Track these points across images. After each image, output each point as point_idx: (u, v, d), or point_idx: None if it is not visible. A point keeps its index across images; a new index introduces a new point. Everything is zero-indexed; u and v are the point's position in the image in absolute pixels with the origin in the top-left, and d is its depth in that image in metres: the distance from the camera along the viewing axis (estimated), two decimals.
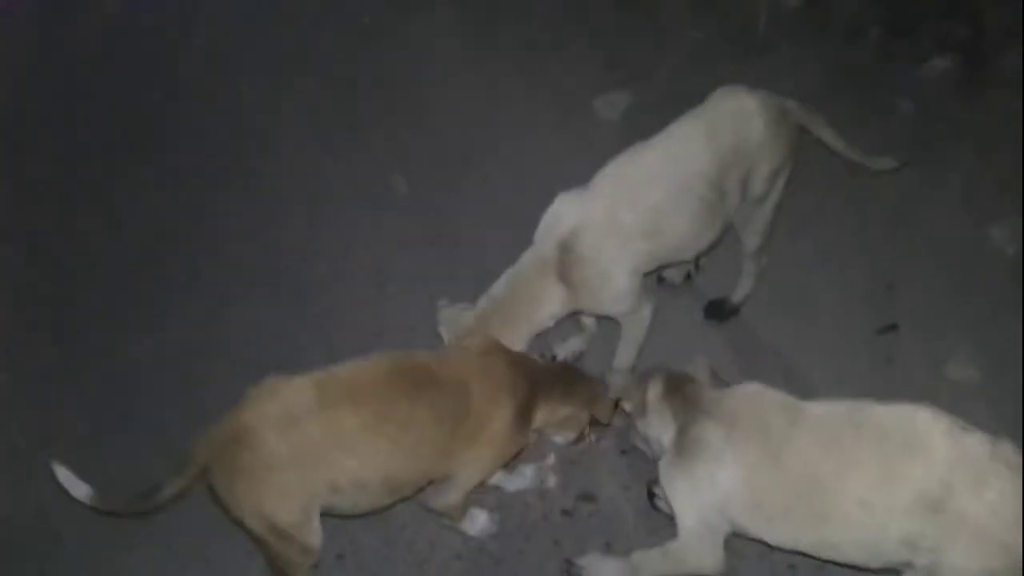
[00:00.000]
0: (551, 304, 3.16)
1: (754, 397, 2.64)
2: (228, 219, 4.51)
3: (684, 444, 2.63)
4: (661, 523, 3.12)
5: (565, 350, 3.70)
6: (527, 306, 3.15)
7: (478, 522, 3.17)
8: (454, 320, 3.23)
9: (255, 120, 5.05)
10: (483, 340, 3.01)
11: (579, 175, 3.24)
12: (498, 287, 3.20)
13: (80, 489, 2.62)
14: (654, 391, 2.82)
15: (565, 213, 3.13)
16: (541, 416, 3.01)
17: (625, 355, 3.44)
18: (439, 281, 4.10)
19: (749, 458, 2.49)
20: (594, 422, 3.18)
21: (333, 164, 4.78)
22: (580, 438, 3.26)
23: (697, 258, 3.98)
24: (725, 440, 2.54)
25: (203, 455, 2.60)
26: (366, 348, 3.69)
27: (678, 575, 2.75)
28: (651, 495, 3.12)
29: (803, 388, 3.57)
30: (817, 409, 2.50)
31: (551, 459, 3.40)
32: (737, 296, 3.83)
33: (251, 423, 2.53)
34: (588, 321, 3.59)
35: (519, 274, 3.17)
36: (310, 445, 2.55)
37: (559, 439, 3.24)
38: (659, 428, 2.80)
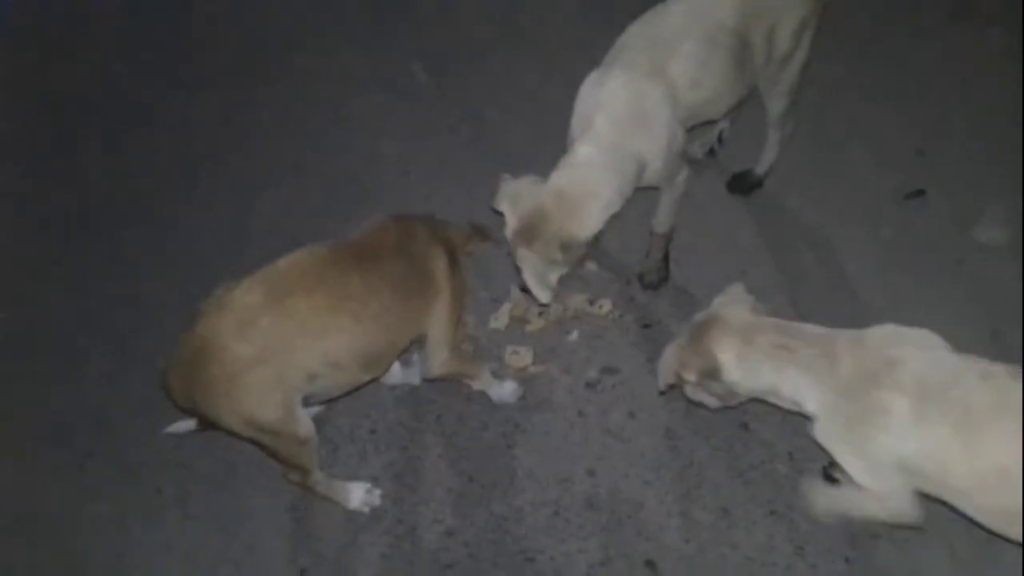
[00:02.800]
0: (632, 162, 2.95)
1: (948, 363, 2.33)
2: (253, 113, 4.55)
3: (857, 412, 2.36)
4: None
5: None
6: (613, 165, 2.93)
7: (505, 389, 3.27)
8: (522, 192, 3.00)
9: (275, 14, 5.03)
10: (390, 216, 3.05)
11: (602, 57, 3.16)
12: (578, 152, 2.95)
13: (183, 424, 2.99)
14: (726, 342, 2.56)
15: (613, 80, 2.98)
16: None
17: (665, 218, 3.43)
18: (463, 167, 4.13)
19: (939, 437, 2.24)
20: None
21: (355, 55, 4.77)
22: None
23: (720, 132, 3.94)
24: (913, 415, 2.26)
25: (174, 380, 2.68)
26: None
27: (880, 521, 2.59)
28: (826, 469, 2.91)
29: (829, 257, 3.61)
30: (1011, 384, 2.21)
31: (575, 335, 3.47)
32: (761, 168, 3.79)
33: (209, 335, 2.57)
34: None
35: (598, 134, 2.94)
36: (273, 340, 2.58)
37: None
38: (788, 384, 2.50)
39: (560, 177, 2.97)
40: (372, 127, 4.43)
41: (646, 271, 3.56)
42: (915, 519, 2.45)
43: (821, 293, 3.49)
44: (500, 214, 3.05)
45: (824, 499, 2.68)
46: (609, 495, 3.05)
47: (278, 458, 2.87)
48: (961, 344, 3.16)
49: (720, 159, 3.96)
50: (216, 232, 4.02)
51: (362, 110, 4.51)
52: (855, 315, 3.35)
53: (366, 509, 3.06)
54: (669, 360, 2.70)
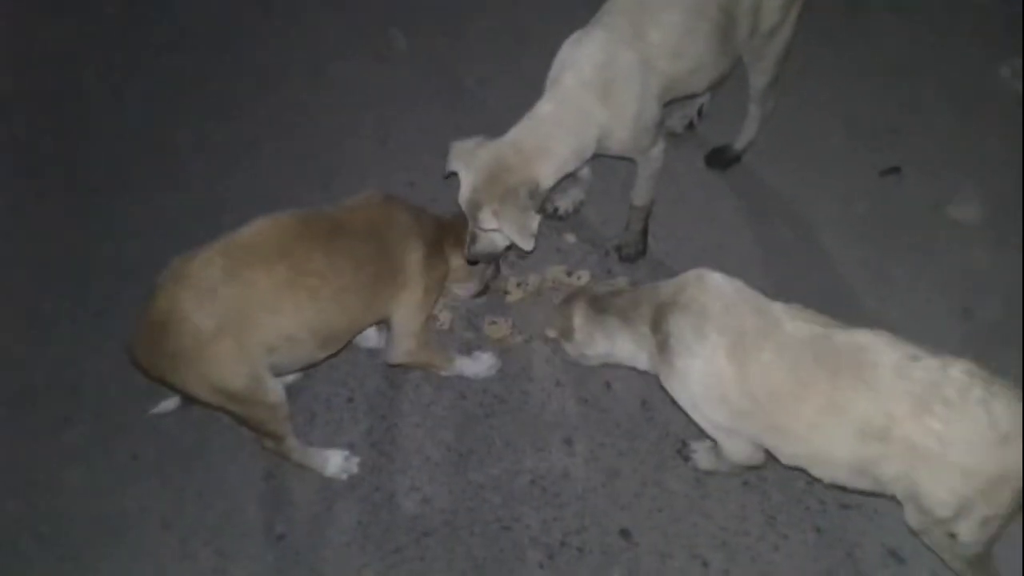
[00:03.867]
0: (592, 126, 2.97)
1: (727, 293, 2.57)
2: (229, 80, 4.48)
3: (660, 341, 2.61)
4: None
5: (566, 201, 3.72)
6: (572, 126, 2.95)
7: (482, 363, 3.28)
8: (475, 150, 2.98)
9: None
10: (380, 192, 3.02)
11: (581, 24, 3.15)
12: (540, 108, 2.99)
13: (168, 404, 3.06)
14: (580, 310, 2.82)
15: (591, 40, 2.99)
16: (454, 260, 3.13)
17: (643, 191, 3.44)
18: (442, 135, 4.07)
19: (717, 354, 2.49)
20: None
21: (332, 20, 4.70)
22: (483, 290, 3.35)
23: (700, 106, 3.94)
24: (695, 333, 2.52)
25: (139, 353, 2.66)
26: None
27: (736, 468, 2.86)
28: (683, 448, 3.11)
29: (805, 232, 3.64)
30: (788, 325, 2.44)
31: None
32: (740, 143, 3.81)
33: (168, 307, 2.54)
34: (584, 172, 3.59)
35: (563, 93, 2.97)
36: (232, 312, 2.56)
37: (462, 292, 3.31)
38: (612, 340, 2.78)
39: (517, 131, 2.97)
40: (350, 94, 4.38)
41: (624, 244, 3.58)
42: (751, 457, 2.70)
43: (797, 268, 3.53)
44: (453, 175, 3.04)
45: (709, 456, 2.97)
46: (585, 464, 3.09)
47: (250, 425, 2.87)
48: (931, 318, 3.26)
49: (699, 133, 3.97)
50: (191, 198, 3.97)
51: (340, 76, 4.46)
52: (830, 290, 3.42)
53: (343, 476, 3.07)
54: (537, 317, 3.04)
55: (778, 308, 2.51)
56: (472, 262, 3.18)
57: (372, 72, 4.45)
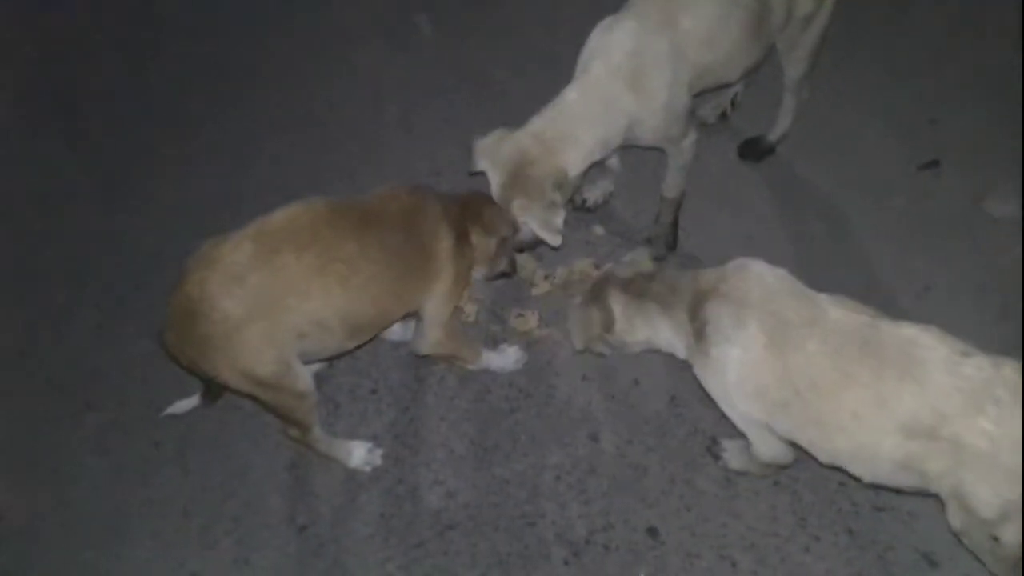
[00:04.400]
0: (623, 112, 2.93)
1: (769, 282, 2.51)
2: (254, 66, 4.46)
3: (697, 329, 2.56)
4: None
5: (595, 192, 3.66)
6: (601, 110, 2.92)
7: (509, 357, 3.24)
8: (493, 147, 2.97)
9: None
10: (406, 185, 2.96)
11: (612, 10, 3.08)
12: (566, 96, 2.94)
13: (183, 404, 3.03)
14: (617, 300, 2.76)
15: (621, 27, 2.93)
16: (475, 240, 3.05)
17: (674, 183, 3.37)
18: (466, 123, 4.05)
19: (756, 343, 2.42)
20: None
21: (357, 6, 4.66)
22: (497, 275, 3.24)
23: (733, 96, 3.87)
24: (735, 321, 2.46)
25: (170, 339, 2.63)
26: None
27: (765, 467, 2.80)
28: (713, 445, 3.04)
29: (840, 227, 3.56)
30: (834, 313, 2.38)
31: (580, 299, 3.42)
32: (774, 134, 3.73)
33: (196, 293, 2.52)
34: (613, 162, 3.53)
35: (591, 81, 2.92)
36: (261, 297, 2.53)
37: (475, 274, 3.21)
38: (654, 328, 2.73)
39: (540, 120, 2.94)
40: (375, 82, 4.34)
41: (654, 236, 3.51)
42: (780, 456, 2.66)
43: (831, 262, 3.44)
44: (481, 174, 3.02)
45: (741, 457, 2.90)
46: (612, 460, 3.03)
47: (278, 413, 2.84)
48: (969, 316, 3.18)
49: (732, 124, 3.89)
50: (214, 185, 3.95)
51: (365, 64, 4.42)
52: (864, 286, 3.33)
53: (367, 468, 3.04)
54: (578, 320, 2.87)
55: (823, 298, 2.45)
56: (519, 250, 3.18)
57: (397, 60, 4.41)
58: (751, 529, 2.85)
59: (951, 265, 3.40)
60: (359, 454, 3.04)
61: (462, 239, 2.97)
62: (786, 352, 2.38)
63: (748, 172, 3.76)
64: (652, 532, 2.87)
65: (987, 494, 2.19)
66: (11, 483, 3.11)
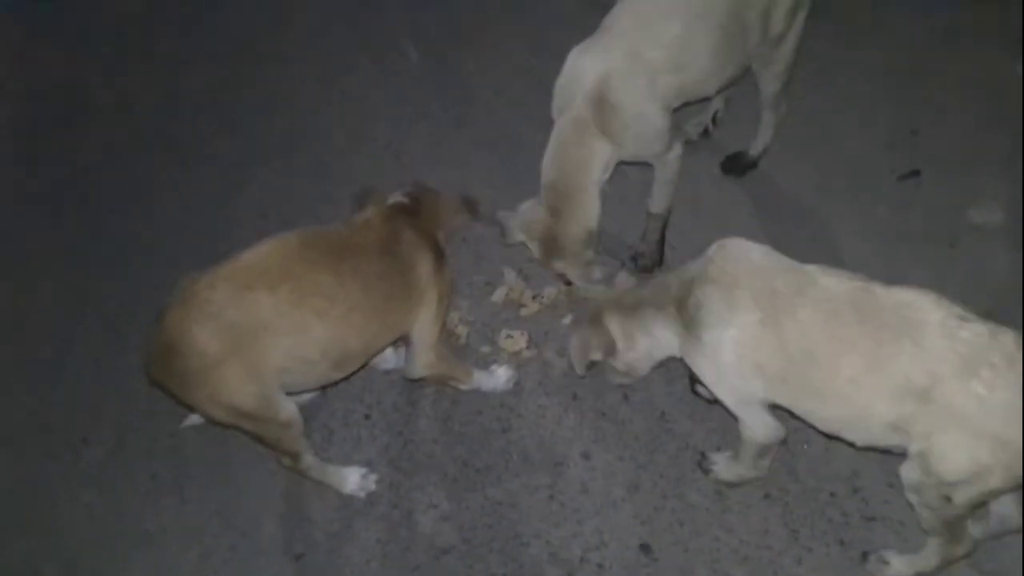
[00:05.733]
0: (601, 160, 3.10)
1: (754, 257, 2.55)
2: (242, 94, 4.50)
3: (687, 317, 2.59)
4: (677, 374, 3.19)
5: None
6: (582, 173, 3.11)
7: (499, 378, 3.26)
8: (525, 219, 3.26)
9: None
10: (378, 208, 3.00)
11: (593, 30, 3.12)
12: (548, 173, 3.17)
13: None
14: (612, 319, 2.82)
15: (586, 67, 3.03)
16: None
17: (660, 198, 3.42)
18: (455, 148, 4.10)
19: (750, 320, 2.44)
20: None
21: (344, 33, 4.70)
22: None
23: (715, 113, 3.91)
24: (726, 302, 2.48)
25: (153, 373, 2.66)
26: None
27: (759, 452, 2.80)
28: (692, 383, 3.12)
29: (824, 238, 3.59)
30: (824, 279, 2.40)
31: (569, 318, 3.45)
32: (756, 149, 3.76)
33: (174, 331, 2.54)
34: None
35: (561, 147, 3.12)
36: (238, 334, 2.54)
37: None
38: (650, 333, 2.78)
39: (547, 175, 3.15)
40: (362, 107, 4.38)
41: (641, 253, 3.55)
42: (773, 434, 2.68)
43: None
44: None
45: (725, 466, 2.94)
46: (604, 478, 3.06)
47: (265, 443, 2.86)
48: None
49: (715, 139, 3.93)
50: (205, 213, 3.98)
51: (352, 89, 4.47)
52: None
53: (362, 494, 3.06)
54: (576, 346, 2.92)
55: (812, 268, 2.47)
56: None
57: (384, 85, 4.45)
58: (743, 543, 2.87)
59: (934, 273, 3.42)
60: (353, 480, 3.06)
61: (439, 258, 3.02)
62: (781, 324, 2.39)
63: (732, 187, 3.80)
64: (645, 549, 2.89)
65: (962, 456, 2.22)
66: (9, 519, 3.13)
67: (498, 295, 3.53)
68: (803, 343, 2.37)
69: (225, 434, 3.13)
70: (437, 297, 2.98)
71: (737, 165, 3.82)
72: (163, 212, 4.02)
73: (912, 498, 2.45)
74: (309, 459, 2.94)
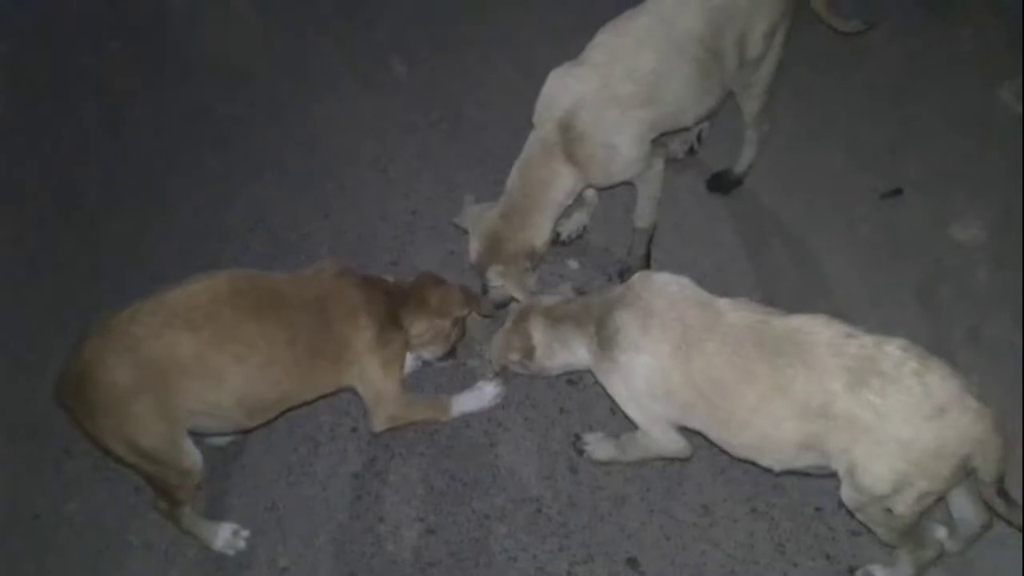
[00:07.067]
0: (563, 184, 3.17)
1: (672, 291, 2.66)
2: (230, 110, 4.49)
3: (605, 337, 2.69)
4: None
5: (570, 226, 3.72)
6: (542, 192, 3.17)
7: (486, 395, 3.25)
8: (478, 218, 3.28)
9: (252, 10, 4.97)
10: (336, 264, 2.99)
11: (579, 52, 3.16)
12: (511, 182, 3.22)
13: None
14: (537, 326, 2.90)
15: (561, 91, 3.09)
16: (410, 329, 3.07)
17: (645, 213, 3.46)
18: (441, 163, 4.11)
19: (662, 349, 2.56)
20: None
21: (332, 50, 4.72)
22: (449, 354, 3.29)
23: (699, 132, 3.95)
24: (641, 329, 2.60)
25: (63, 399, 2.63)
26: (371, 234, 3.82)
27: (654, 456, 2.92)
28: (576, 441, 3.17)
29: (807, 255, 3.64)
30: (730, 316, 2.52)
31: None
32: (740, 167, 3.80)
33: (91, 357, 2.53)
34: (590, 195, 3.59)
35: (527, 162, 3.18)
36: (152, 371, 2.53)
37: (427, 356, 3.25)
38: (568, 347, 2.86)
39: (510, 183, 3.20)
40: (349, 122, 4.39)
41: (627, 269, 3.57)
42: (681, 451, 2.80)
43: (798, 291, 3.51)
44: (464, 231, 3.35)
45: (604, 446, 3.05)
46: (591, 492, 3.06)
47: (155, 485, 2.81)
48: (938, 341, 3.24)
49: (700, 158, 3.97)
50: (193, 226, 3.96)
51: (339, 104, 4.47)
52: (832, 313, 3.32)
53: (231, 551, 2.97)
54: (497, 345, 3.01)
55: (722, 302, 2.60)
56: (498, 306, 3.34)
57: (372, 100, 4.46)
58: (730, 557, 2.88)
59: (918, 289, 3.48)
60: (223, 536, 2.97)
61: (388, 327, 2.97)
62: (690, 356, 2.52)
63: (717, 204, 3.84)
64: (632, 563, 2.89)
65: (880, 468, 2.31)
66: None
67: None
68: (710, 374, 2.50)
69: (209, 451, 3.09)
70: (380, 362, 2.95)
71: (722, 183, 3.86)
72: (151, 224, 3.99)
73: (860, 517, 2.54)
74: (187, 509, 2.89)
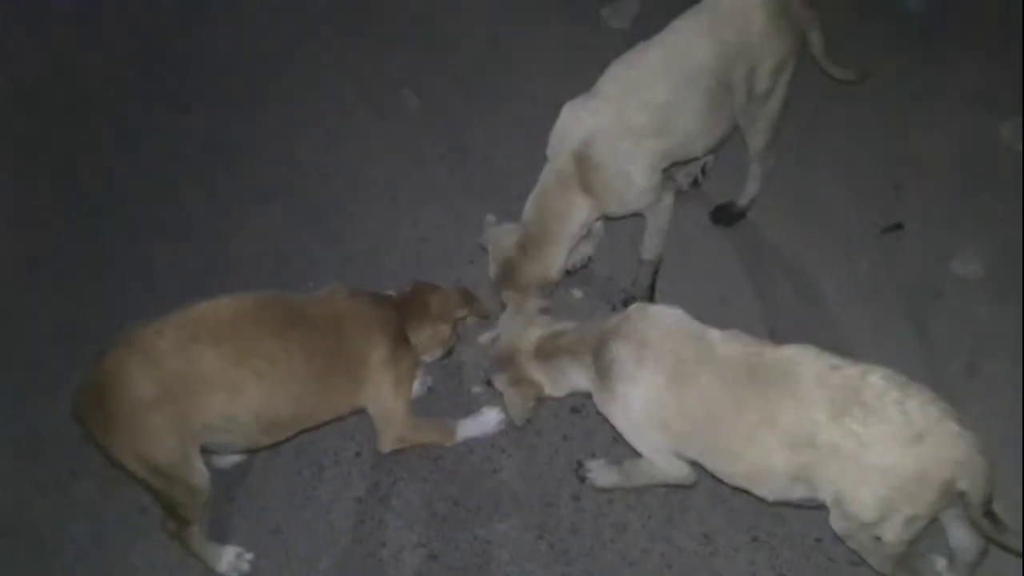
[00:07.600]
0: (579, 215, 3.24)
1: (666, 323, 2.71)
2: (243, 138, 4.56)
3: (601, 367, 2.74)
4: None
5: (575, 256, 3.75)
6: (558, 223, 3.24)
7: (489, 421, 3.29)
8: (498, 240, 3.35)
9: (266, 39, 5.06)
10: (346, 287, 3.05)
11: (589, 85, 3.24)
12: (527, 214, 3.29)
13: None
14: (532, 368, 2.93)
15: (575, 123, 3.16)
16: (416, 340, 3.13)
17: (652, 245, 3.52)
18: (451, 194, 4.17)
19: (657, 381, 2.61)
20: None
21: (345, 81, 4.80)
22: (447, 354, 3.35)
23: (704, 164, 4.01)
24: (636, 361, 2.65)
25: (79, 411, 2.67)
26: (379, 261, 3.87)
27: (658, 483, 2.94)
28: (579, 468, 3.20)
29: (808, 288, 3.67)
30: (722, 349, 2.58)
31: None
32: (743, 200, 3.86)
33: (114, 369, 2.58)
34: (596, 226, 3.64)
35: (543, 194, 3.25)
36: (174, 384, 2.58)
37: (428, 359, 3.30)
38: (568, 378, 2.90)
39: (527, 215, 3.27)
40: (360, 152, 4.46)
41: (631, 299, 3.60)
42: (685, 477, 2.82)
43: (800, 323, 3.55)
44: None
45: (606, 473, 3.08)
46: (593, 520, 3.08)
47: (164, 504, 2.83)
48: (937, 376, 3.26)
49: (704, 190, 4.03)
50: (202, 253, 4.02)
51: (351, 135, 4.54)
52: (833, 346, 3.35)
53: (235, 574, 2.99)
54: (514, 401, 2.98)
55: (714, 334, 2.65)
56: (484, 316, 3.40)
57: (383, 131, 4.53)
58: None
59: (917, 323, 3.51)
60: (227, 559, 3.00)
61: (399, 344, 3.03)
62: (683, 388, 2.57)
63: (720, 236, 3.89)
64: None
65: (865, 496, 2.35)
66: None
67: (487, 337, 3.57)
68: (704, 406, 2.55)
69: (214, 474, 3.11)
70: (392, 381, 3.00)
71: (726, 215, 3.91)
72: (161, 252, 4.05)
73: (852, 546, 2.57)
74: (195, 530, 2.91)
